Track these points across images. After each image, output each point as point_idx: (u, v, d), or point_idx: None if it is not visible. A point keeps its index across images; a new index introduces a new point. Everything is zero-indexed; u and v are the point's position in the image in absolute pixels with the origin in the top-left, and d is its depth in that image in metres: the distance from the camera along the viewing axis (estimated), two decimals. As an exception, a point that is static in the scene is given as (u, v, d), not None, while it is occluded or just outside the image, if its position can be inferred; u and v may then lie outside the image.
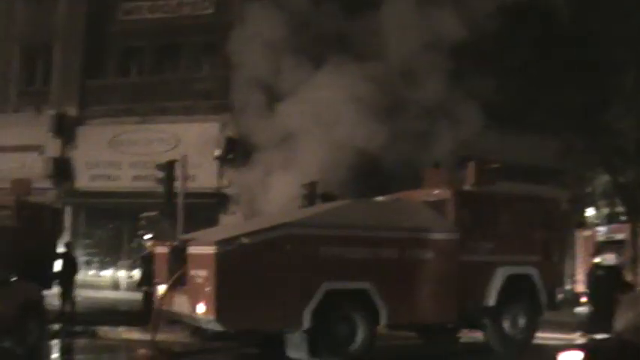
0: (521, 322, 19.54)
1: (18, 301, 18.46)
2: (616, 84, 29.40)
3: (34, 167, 34.70)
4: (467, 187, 19.90)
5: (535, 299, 19.69)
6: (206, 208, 30.44)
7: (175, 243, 18.18)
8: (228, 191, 31.48)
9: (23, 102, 36.86)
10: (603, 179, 33.64)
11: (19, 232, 22.91)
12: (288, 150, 25.95)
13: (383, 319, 17.24)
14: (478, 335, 20.01)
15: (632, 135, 29.10)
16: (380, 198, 20.92)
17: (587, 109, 29.27)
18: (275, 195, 26.04)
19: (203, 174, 30.92)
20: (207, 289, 15.77)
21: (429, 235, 18.13)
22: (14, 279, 19.02)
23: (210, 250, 15.83)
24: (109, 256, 35.07)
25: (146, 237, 24.39)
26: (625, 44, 28.52)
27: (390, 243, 17.54)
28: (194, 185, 28.13)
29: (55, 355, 20.12)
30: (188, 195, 24.50)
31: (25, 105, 36.54)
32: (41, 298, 20.07)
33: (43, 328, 19.59)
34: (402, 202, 20.00)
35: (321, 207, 20.43)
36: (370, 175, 25.57)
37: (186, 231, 22.68)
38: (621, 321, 4.08)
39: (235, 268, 15.73)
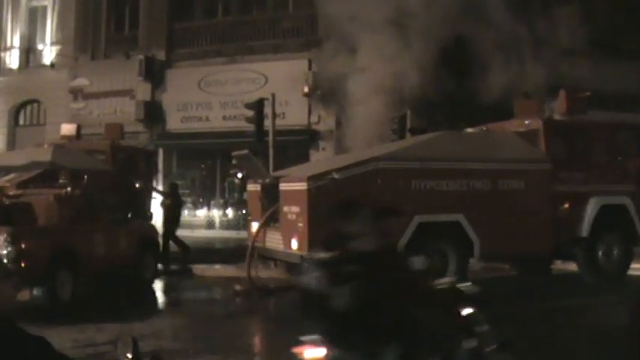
0: (616, 253, 19.31)
1: (137, 238, 19.73)
2: None
3: (125, 112, 35.31)
4: (558, 117, 19.65)
5: (630, 229, 19.41)
6: (296, 145, 30.60)
7: (267, 180, 18.36)
8: (318, 127, 31.56)
9: (112, 48, 37.36)
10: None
11: (115, 175, 23.37)
12: (373, 84, 25.83)
13: (476, 252, 17.22)
14: (571, 267, 19.86)
15: None
16: (470, 129, 20.76)
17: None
18: (364, 130, 26.04)
19: (292, 111, 31.02)
20: (300, 224, 15.93)
21: (521, 166, 18.02)
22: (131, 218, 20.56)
23: (302, 186, 15.96)
24: (203, 196, 35.53)
25: (238, 175, 24.61)
26: None
27: (481, 174, 17.46)
28: (284, 123, 28.27)
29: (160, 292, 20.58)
30: (278, 132, 24.60)
31: (115, 51, 37.04)
32: (157, 235, 21.60)
33: (156, 265, 20.98)
34: (492, 133, 19.83)
35: (411, 140, 20.36)
36: (458, 106, 25.40)
37: (278, 168, 22.87)
38: None
39: (327, 203, 15.75)
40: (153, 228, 21.63)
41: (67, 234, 16.91)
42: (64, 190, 18.06)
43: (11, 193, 17.94)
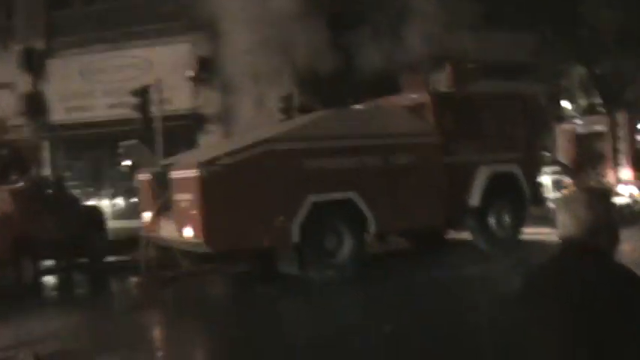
0: (507, 219, 19.67)
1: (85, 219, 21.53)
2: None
3: (6, 105, 34.35)
4: (445, 90, 19.84)
5: (519, 196, 19.79)
6: (184, 130, 30.27)
7: (157, 169, 18.10)
8: (205, 111, 31.28)
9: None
10: (579, 71, 33.64)
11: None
12: (257, 64, 25.73)
13: (371, 227, 17.28)
14: (466, 235, 20.12)
15: (607, 26, 28.97)
16: (358, 106, 20.81)
17: (561, 2, 29.11)
18: (252, 111, 25.92)
19: (178, 96, 30.63)
20: (192, 212, 15.73)
21: (411, 140, 18.17)
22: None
23: (192, 173, 15.74)
24: (91, 187, 34.91)
25: (127, 163, 24.28)
26: None
27: (372, 151, 17.52)
28: (170, 108, 27.87)
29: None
30: (165, 118, 24.25)
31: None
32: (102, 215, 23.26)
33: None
34: (381, 109, 19.91)
35: (300, 119, 20.29)
36: (345, 82, 25.45)
37: (167, 155, 22.57)
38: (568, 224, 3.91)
39: (219, 189, 15.66)
40: (98, 209, 23.27)
41: (24, 223, 18.27)
42: (17, 185, 20.08)
43: None
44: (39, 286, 18.63)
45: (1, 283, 17.23)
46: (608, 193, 4.24)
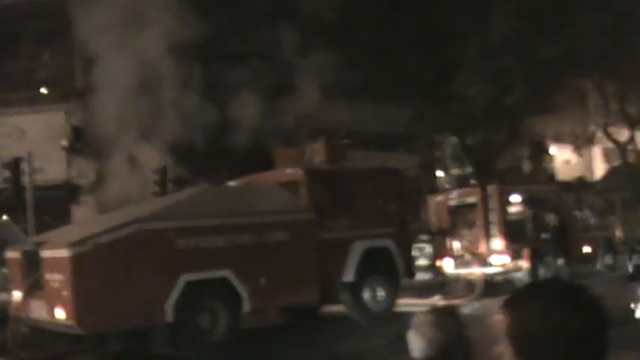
0: (381, 292, 19.85)
1: None
2: (461, 53, 30.03)
3: None
4: (318, 165, 20.02)
5: (393, 269, 20.02)
6: (57, 201, 29.78)
7: (27, 247, 17.72)
8: (79, 181, 30.82)
9: None
10: (452, 142, 34.42)
11: None
12: (131, 133, 25.59)
13: (245, 305, 17.24)
14: (340, 309, 20.21)
15: (477, 100, 29.82)
16: (232, 182, 20.84)
17: (435, 78, 29.84)
18: (126, 182, 25.68)
19: (51, 165, 30.02)
20: (64, 293, 15.44)
21: (285, 217, 18.23)
22: None
23: (64, 253, 15.48)
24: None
25: None
26: (466, 15, 29.21)
27: (246, 228, 17.53)
28: (43, 178, 27.38)
29: None
30: (38, 188, 23.96)
31: None
32: None
33: None
34: (254, 186, 19.99)
35: (173, 196, 20.21)
36: (219, 154, 25.47)
37: (39, 226, 22.21)
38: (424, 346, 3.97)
39: (92, 269, 15.43)
40: None
41: None
42: None
43: None
44: None
45: None
46: (455, 311, 4.32)
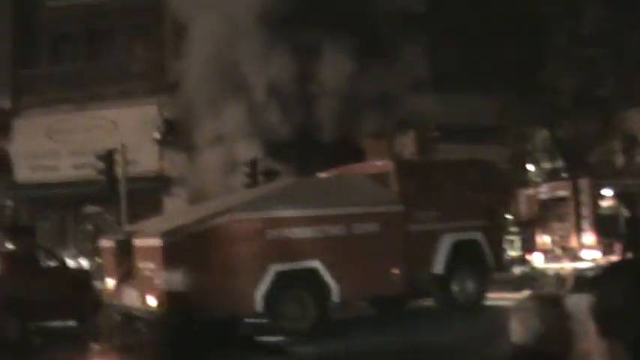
0: (470, 285, 19.70)
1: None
2: (551, 43, 29.68)
3: (-29, 164, 34.27)
4: (408, 157, 19.98)
5: (482, 262, 19.86)
6: (149, 192, 30.21)
7: (120, 236, 18.05)
8: (170, 173, 31.27)
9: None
10: (543, 134, 33.98)
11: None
12: (222, 128, 25.87)
13: (334, 296, 17.28)
14: (429, 302, 20.13)
15: (568, 91, 29.41)
16: (322, 174, 20.89)
17: (524, 68, 29.52)
18: (216, 173, 25.98)
19: (144, 158, 30.63)
20: (156, 281, 15.70)
21: (374, 209, 18.20)
22: None
23: (156, 242, 15.75)
24: (55, 246, 34.67)
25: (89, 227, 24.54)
26: (556, 3, 28.85)
27: (335, 220, 17.55)
28: (136, 170, 27.88)
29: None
30: (130, 180, 24.36)
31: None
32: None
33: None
34: (344, 177, 20.00)
35: (264, 187, 20.36)
36: (309, 147, 25.57)
37: (131, 217, 22.60)
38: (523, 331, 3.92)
39: (183, 258, 15.66)
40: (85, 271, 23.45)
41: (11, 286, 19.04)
42: (4, 250, 21.05)
43: None
44: (25, 347, 18.93)
45: None
46: (558, 300, 4.27)
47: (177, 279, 15.51)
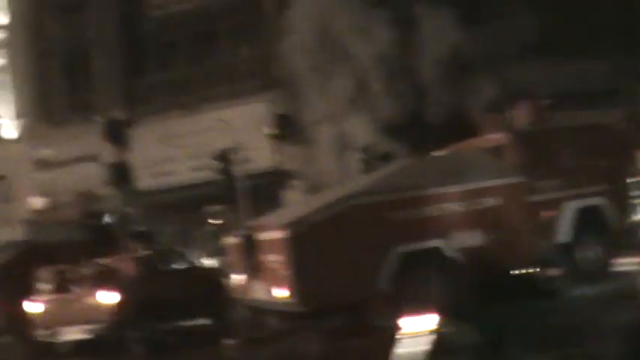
0: (596, 253, 19.33)
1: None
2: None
3: (93, 176, 35.18)
4: (523, 127, 19.74)
5: (607, 228, 19.47)
6: (267, 187, 30.50)
7: (244, 231, 18.30)
8: (286, 167, 31.55)
9: (73, 114, 37.25)
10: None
11: (91, 243, 23.37)
12: (337, 117, 25.97)
13: (461, 274, 17.17)
14: (555, 272, 19.86)
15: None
16: (438, 152, 20.79)
17: (632, 27, 28.86)
18: (332, 163, 26.12)
19: (258, 154, 31.04)
20: (283, 272, 15.88)
21: (494, 183, 18.00)
22: None
23: (280, 234, 15.92)
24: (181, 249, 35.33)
25: (213, 222, 25.17)
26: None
27: (456, 197, 17.42)
28: (251, 167, 28.32)
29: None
30: (247, 177, 24.71)
31: (74, 117, 36.93)
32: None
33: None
34: (461, 154, 19.83)
35: (382, 171, 20.34)
36: (422, 127, 25.48)
37: (252, 214, 22.91)
38: None
39: (308, 248, 15.80)
40: (217, 270, 24.25)
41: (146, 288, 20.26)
42: (139, 254, 22.21)
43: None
44: (160, 346, 19.82)
45: (125, 342, 19.71)
46: None
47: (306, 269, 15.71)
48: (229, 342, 18.58)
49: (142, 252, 22.79)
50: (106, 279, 19.82)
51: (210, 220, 21.46)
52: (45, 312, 19.96)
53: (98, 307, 19.29)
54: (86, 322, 19.30)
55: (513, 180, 18.22)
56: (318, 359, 17.28)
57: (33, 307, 20.04)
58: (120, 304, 19.34)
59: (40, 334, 20.03)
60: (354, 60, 25.53)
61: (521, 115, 20.05)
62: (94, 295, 19.52)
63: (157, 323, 20.24)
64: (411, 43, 25.31)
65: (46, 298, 20.14)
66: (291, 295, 15.75)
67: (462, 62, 25.10)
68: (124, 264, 20.84)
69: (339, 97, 25.40)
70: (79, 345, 20.02)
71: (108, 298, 19.28)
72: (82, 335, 19.47)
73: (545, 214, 18.43)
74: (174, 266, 23.43)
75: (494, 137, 19.27)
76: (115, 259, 21.34)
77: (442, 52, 24.95)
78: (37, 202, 27.00)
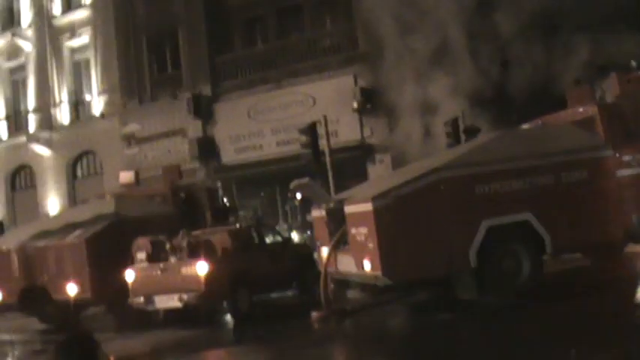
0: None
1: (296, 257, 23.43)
2: None
3: (179, 151, 35.79)
4: (612, 100, 19.45)
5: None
6: (353, 162, 30.62)
7: (331, 204, 18.40)
8: (372, 141, 31.58)
9: (159, 90, 37.77)
10: None
11: (178, 216, 23.68)
12: (422, 90, 25.88)
13: (548, 247, 17.03)
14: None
15: None
16: (525, 125, 20.60)
17: None
18: (418, 136, 26.07)
19: (344, 128, 31.13)
20: (370, 245, 15.93)
21: (582, 156, 17.78)
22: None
23: (367, 207, 15.95)
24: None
25: (298, 196, 25.38)
26: None
27: (544, 169, 17.23)
28: (337, 140, 28.41)
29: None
30: (333, 151, 24.76)
31: (161, 92, 37.46)
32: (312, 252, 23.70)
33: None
34: (548, 127, 19.61)
35: (468, 144, 20.25)
36: (507, 101, 25.27)
37: (337, 187, 23.00)
38: None
39: (394, 221, 15.83)
40: (307, 245, 24.99)
41: (240, 260, 20.82)
42: (233, 227, 22.74)
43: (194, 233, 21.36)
44: (252, 317, 20.37)
45: (219, 312, 21.02)
46: None
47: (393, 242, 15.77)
48: (317, 314, 18.72)
49: (237, 225, 23.22)
50: (201, 250, 20.10)
51: (297, 192, 21.46)
52: (139, 280, 20.33)
53: (192, 278, 19.62)
54: (179, 292, 19.60)
55: (601, 153, 17.98)
56: (403, 333, 17.39)
57: (128, 275, 20.43)
58: (213, 275, 19.58)
59: (133, 302, 20.41)
60: (437, 27, 25.36)
61: (610, 87, 19.70)
62: (189, 266, 19.83)
63: (249, 295, 20.66)
64: (498, 6, 25.02)
65: (140, 266, 20.51)
66: (378, 269, 15.76)
67: (551, 29, 24.74)
68: (219, 236, 21.08)
69: (424, 66, 25.27)
70: (169, 314, 20.39)
71: (202, 268, 19.56)
72: (174, 304, 19.78)
73: (633, 188, 18.14)
74: (268, 240, 24.09)
75: (582, 110, 19.02)
76: (209, 232, 21.70)
77: (530, 16, 24.59)
78: (125, 176, 27.29)
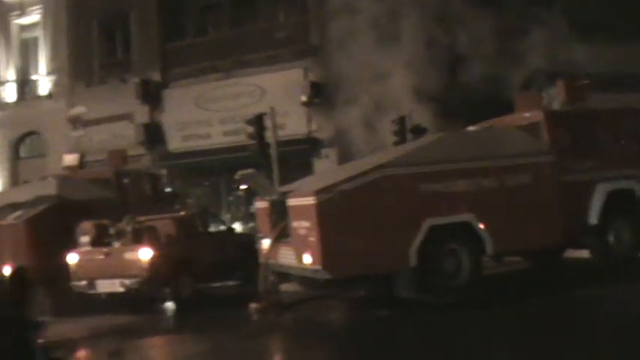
0: (627, 236, 19.28)
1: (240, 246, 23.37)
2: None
3: (126, 135, 35.42)
4: (559, 107, 19.66)
5: (639, 212, 19.40)
6: (299, 155, 30.62)
7: (274, 197, 18.39)
8: (319, 135, 31.59)
9: (107, 73, 37.37)
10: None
11: (121, 202, 23.50)
12: (371, 87, 25.92)
13: (488, 249, 17.20)
14: (583, 254, 19.83)
15: None
16: (472, 127, 20.76)
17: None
18: (364, 133, 26.10)
19: (292, 121, 31.06)
20: (311, 239, 15.94)
21: (526, 160, 17.97)
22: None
23: (310, 200, 15.95)
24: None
25: (241, 187, 25.46)
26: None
27: (487, 172, 17.39)
28: (284, 133, 28.33)
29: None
30: (280, 143, 24.78)
31: (110, 76, 37.07)
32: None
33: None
34: (494, 130, 19.78)
35: (414, 143, 20.34)
36: (455, 102, 25.42)
37: (282, 180, 23.00)
38: None
39: (337, 216, 15.86)
40: (250, 236, 24.48)
41: (184, 248, 20.70)
42: (178, 214, 22.70)
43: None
44: (194, 305, 20.30)
45: (161, 299, 20.67)
46: None
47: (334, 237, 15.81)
48: (255, 305, 18.70)
49: (181, 212, 23.19)
50: (145, 236, 20.12)
51: (241, 183, 21.50)
52: (81, 264, 20.18)
53: (135, 263, 19.59)
54: (122, 277, 19.51)
55: (545, 158, 18.20)
56: (340, 327, 17.43)
57: (71, 258, 20.28)
58: (157, 261, 19.60)
59: (75, 285, 20.25)
60: (391, 25, 25.43)
61: (557, 94, 19.92)
62: (132, 251, 19.80)
63: (191, 283, 20.74)
64: (453, 11, 25.17)
65: (83, 250, 20.36)
66: (318, 262, 15.79)
67: (505, 36, 24.92)
68: (163, 223, 21.02)
69: (374, 64, 25.31)
70: (110, 298, 20.24)
71: (146, 254, 19.56)
72: (115, 289, 19.68)
73: (575, 194, 18.38)
74: (212, 229, 24.01)
75: (528, 115, 19.23)
76: (153, 218, 21.51)
77: (485, 23, 24.77)
78: (69, 158, 27.03)
